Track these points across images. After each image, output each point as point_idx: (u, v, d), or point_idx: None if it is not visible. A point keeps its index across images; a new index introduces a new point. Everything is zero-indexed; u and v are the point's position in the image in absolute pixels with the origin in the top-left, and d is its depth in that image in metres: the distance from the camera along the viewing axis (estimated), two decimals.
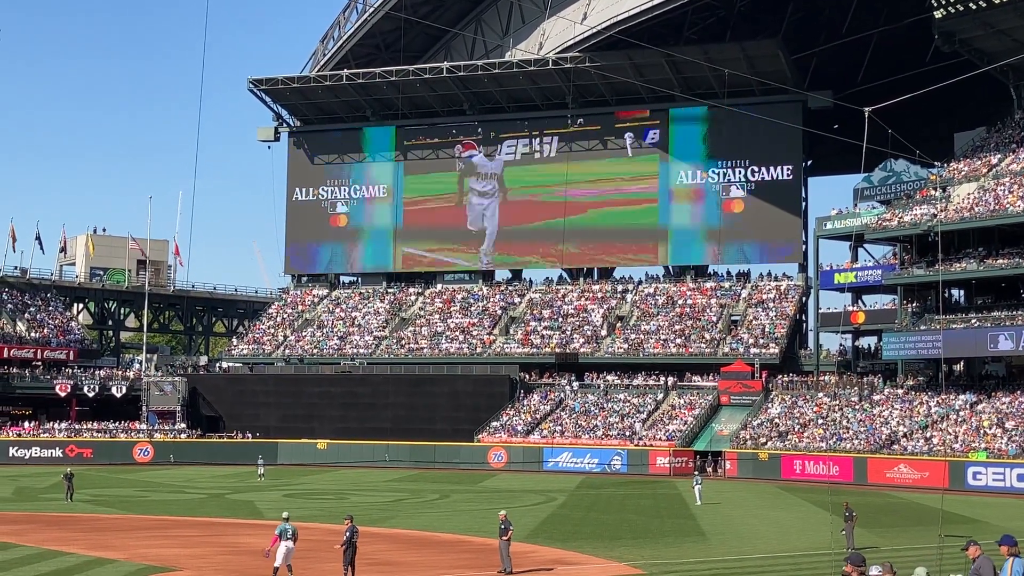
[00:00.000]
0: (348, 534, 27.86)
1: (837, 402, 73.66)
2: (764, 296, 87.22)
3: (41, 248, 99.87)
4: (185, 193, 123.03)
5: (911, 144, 66.42)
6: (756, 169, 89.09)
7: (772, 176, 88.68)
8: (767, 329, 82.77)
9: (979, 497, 56.21)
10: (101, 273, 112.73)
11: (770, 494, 58.23)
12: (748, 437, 71.95)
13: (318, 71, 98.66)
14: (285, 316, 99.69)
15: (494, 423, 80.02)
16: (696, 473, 59.22)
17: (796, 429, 71.28)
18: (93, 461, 77.18)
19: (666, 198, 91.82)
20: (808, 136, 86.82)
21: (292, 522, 28.16)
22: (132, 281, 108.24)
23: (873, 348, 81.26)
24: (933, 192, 73.49)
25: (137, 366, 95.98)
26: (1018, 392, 66.98)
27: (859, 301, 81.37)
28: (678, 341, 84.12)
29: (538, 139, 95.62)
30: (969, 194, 70.96)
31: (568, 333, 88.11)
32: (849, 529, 35.01)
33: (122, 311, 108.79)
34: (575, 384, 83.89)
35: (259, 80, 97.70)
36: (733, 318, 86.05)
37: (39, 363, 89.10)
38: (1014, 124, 76.91)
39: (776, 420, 73.23)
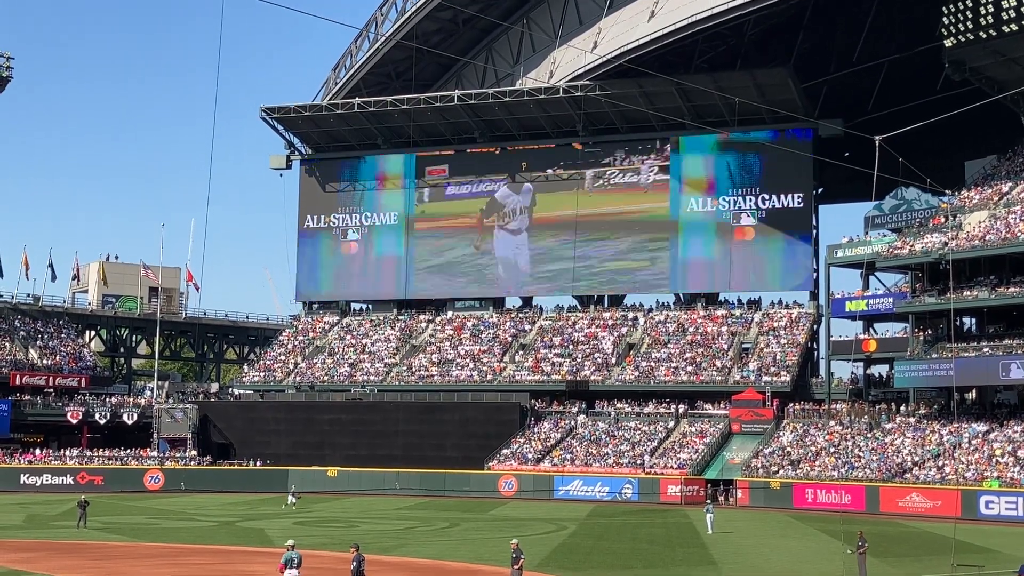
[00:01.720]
0: (355, 563, 27.81)
1: (849, 430, 73.36)
2: (775, 324, 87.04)
3: (53, 275, 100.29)
4: (197, 220, 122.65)
5: (922, 172, 66.48)
6: (766, 197, 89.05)
7: (782, 204, 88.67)
8: (778, 357, 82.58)
9: (992, 526, 55.95)
10: (113, 300, 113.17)
11: (782, 523, 57.97)
12: (759, 466, 71.68)
13: (330, 99, 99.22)
14: (296, 343, 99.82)
15: (504, 451, 79.87)
16: (708, 502, 59.01)
17: (808, 457, 71.01)
18: (104, 488, 77.20)
19: (676, 225, 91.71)
20: (819, 164, 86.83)
21: (298, 550, 28.15)
22: (144, 308, 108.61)
23: (885, 376, 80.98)
24: (944, 220, 73.44)
25: (148, 393, 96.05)
26: None
27: (870, 329, 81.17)
28: (689, 369, 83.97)
29: (551, 167, 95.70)
30: (980, 222, 70.87)
31: (579, 360, 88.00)
32: (861, 560, 34.82)
33: (134, 338, 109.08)
34: (586, 412, 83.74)
35: (271, 108, 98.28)
36: (744, 346, 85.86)
37: (51, 390, 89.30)
38: None
39: (788, 448, 72.96)
